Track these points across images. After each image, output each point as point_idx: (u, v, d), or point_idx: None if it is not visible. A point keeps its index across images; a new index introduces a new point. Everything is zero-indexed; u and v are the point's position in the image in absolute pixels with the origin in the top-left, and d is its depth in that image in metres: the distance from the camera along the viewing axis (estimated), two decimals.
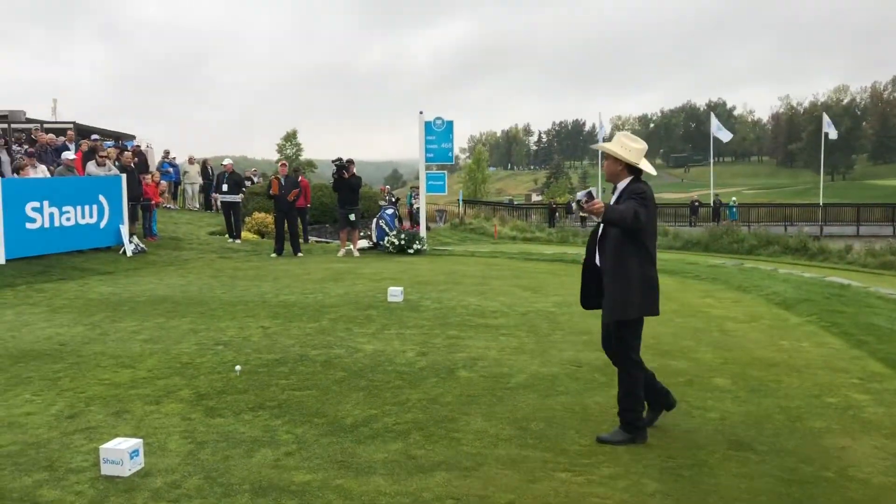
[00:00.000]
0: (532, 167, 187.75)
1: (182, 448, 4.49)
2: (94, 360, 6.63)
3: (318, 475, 4.07)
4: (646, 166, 4.57)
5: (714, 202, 41.63)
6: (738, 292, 10.60)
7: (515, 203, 63.94)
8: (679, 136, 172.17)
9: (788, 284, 10.76)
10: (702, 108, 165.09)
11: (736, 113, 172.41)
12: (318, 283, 11.38)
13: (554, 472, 4.10)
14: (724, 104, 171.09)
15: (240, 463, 4.25)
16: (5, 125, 23.60)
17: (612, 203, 4.54)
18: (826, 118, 42.86)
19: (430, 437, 4.67)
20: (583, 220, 38.58)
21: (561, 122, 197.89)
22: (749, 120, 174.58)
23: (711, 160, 55.97)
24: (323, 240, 21.05)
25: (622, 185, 4.58)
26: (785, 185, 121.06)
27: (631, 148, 4.52)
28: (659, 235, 26.22)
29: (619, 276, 4.47)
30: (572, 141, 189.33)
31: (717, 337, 7.54)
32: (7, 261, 12.25)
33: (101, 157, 15.43)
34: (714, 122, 45.33)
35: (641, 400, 4.64)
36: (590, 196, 4.30)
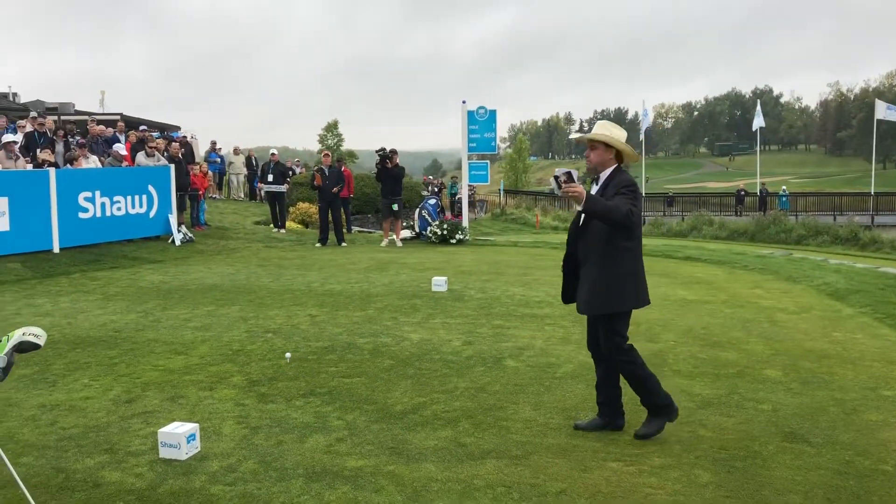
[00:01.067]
0: (573, 156, 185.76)
1: (236, 433, 4.58)
2: (148, 347, 6.79)
3: (369, 461, 4.12)
4: (633, 151, 4.52)
5: (760, 191, 40.80)
6: (787, 283, 10.42)
7: (557, 193, 63.36)
8: (724, 124, 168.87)
9: (840, 275, 10.54)
10: (748, 96, 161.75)
11: (783, 100, 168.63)
12: (362, 273, 11.48)
13: (605, 462, 4.10)
14: (771, 91, 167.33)
15: (293, 448, 4.32)
16: (55, 117, 24.16)
17: (594, 193, 4.39)
18: (882, 103, 41.36)
19: (479, 425, 4.69)
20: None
21: (603, 111, 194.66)
22: (796, 107, 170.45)
23: (758, 148, 55.03)
24: (366, 230, 21.18)
25: (606, 174, 4.43)
26: (833, 174, 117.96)
27: (620, 135, 4.44)
28: (704, 225, 25.56)
29: (608, 267, 4.32)
30: None
31: (767, 328, 7.42)
32: (61, 249, 12.60)
33: (151, 147, 15.72)
34: (759, 110, 44.47)
35: (653, 378, 4.44)
36: (569, 176, 4.09)
